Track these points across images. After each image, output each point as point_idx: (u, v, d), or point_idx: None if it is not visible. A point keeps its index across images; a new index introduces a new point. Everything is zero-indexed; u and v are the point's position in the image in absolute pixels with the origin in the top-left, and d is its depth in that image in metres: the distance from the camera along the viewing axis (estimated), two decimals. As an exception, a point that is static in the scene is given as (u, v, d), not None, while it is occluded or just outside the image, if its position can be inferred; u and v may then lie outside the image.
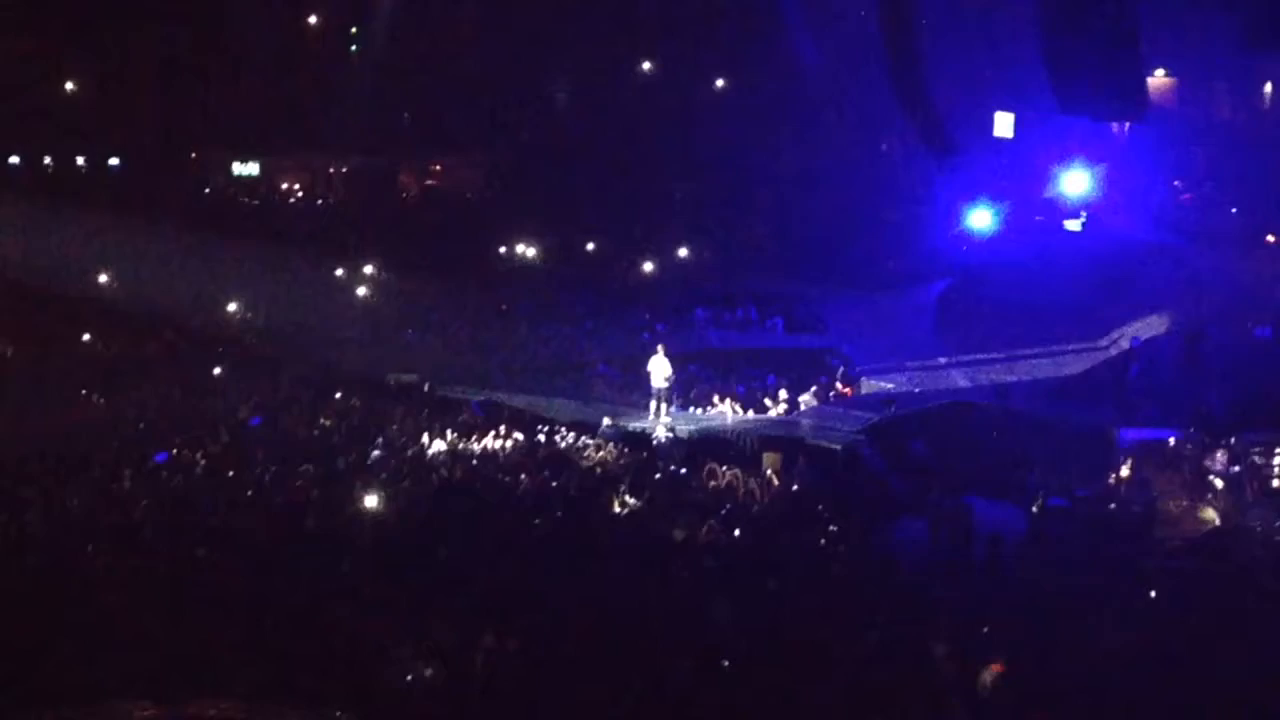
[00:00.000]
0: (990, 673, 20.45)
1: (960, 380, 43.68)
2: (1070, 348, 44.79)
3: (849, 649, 22.04)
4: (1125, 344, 44.44)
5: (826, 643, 22.25)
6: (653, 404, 40.05)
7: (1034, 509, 30.54)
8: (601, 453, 35.91)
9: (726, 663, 21.82)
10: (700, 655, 21.90)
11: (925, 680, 21.02)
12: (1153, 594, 24.99)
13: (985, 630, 22.41)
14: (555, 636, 22.77)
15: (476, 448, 36.69)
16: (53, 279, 50.30)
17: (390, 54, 66.61)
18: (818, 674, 21.42)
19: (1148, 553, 28.38)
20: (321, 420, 39.49)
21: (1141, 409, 36.80)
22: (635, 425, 38.88)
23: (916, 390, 42.45)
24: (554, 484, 32.66)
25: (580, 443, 36.92)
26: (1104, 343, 44.49)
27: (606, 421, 38.78)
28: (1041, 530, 29.71)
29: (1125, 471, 33.30)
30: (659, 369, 39.94)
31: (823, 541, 28.66)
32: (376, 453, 35.74)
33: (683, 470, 34.21)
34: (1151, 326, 45.07)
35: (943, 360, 45.33)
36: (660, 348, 40.60)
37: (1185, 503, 32.04)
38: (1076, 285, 45.71)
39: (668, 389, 39.95)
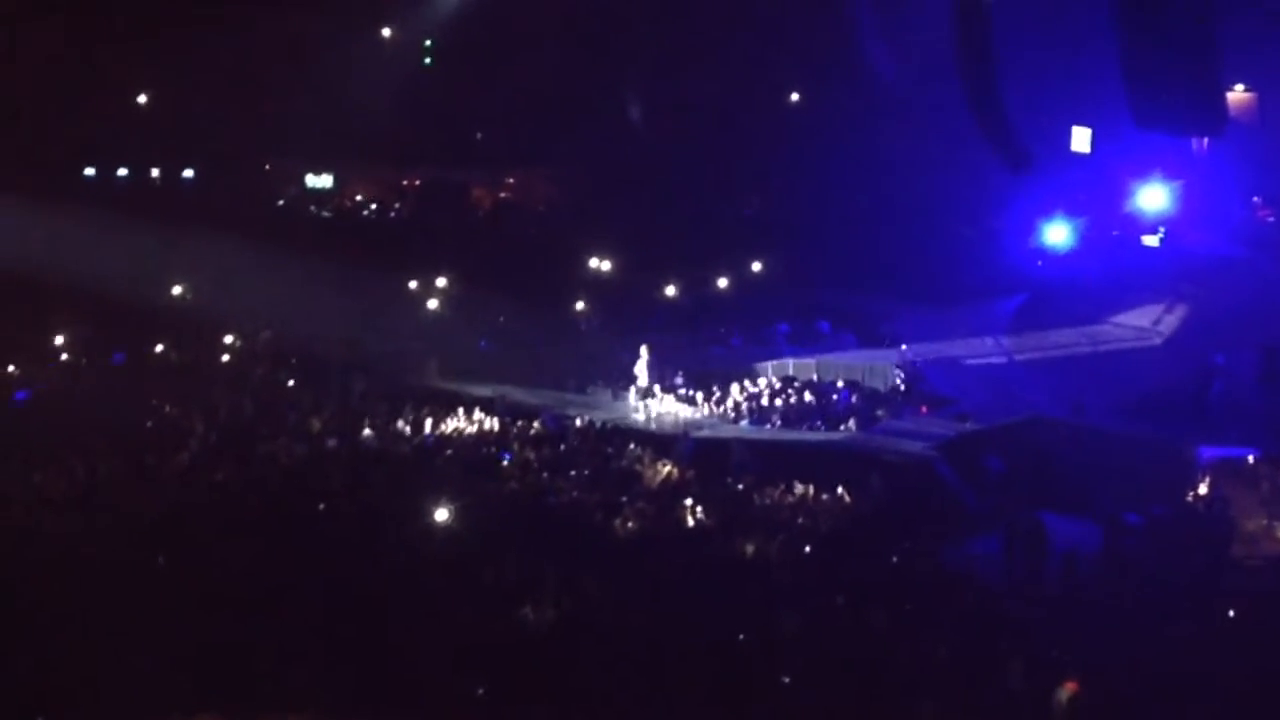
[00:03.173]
0: (1065, 691, 20.31)
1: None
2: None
3: (922, 665, 21.94)
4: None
5: (899, 659, 22.16)
6: (640, 402, 42.61)
7: (1109, 526, 30.28)
8: (668, 467, 35.79)
9: (787, 679, 21.80)
10: (770, 667, 21.87)
11: (999, 698, 20.89)
12: (1230, 613, 24.77)
13: (1060, 648, 22.25)
14: (626, 649, 22.76)
15: (547, 460, 36.62)
16: (127, 290, 50.52)
17: (464, 67, 66.82)
18: (890, 689, 21.33)
19: (1226, 571, 28.14)
20: (394, 431, 39.53)
21: (1221, 426, 36.46)
22: (709, 436, 38.98)
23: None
24: (623, 498, 32.61)
25: (650, 456, 36.80)
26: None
27: (680, 433, 39.03)
28: (1117, 547, 29.47)
29: (1203, 489, 32.98)
30: (644, 370, 42.84)
31: (895, 558, 28.53)
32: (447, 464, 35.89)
33: (755, 485, 34.07)
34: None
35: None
36: (644, 349, 43.17)
37: (1265, 521, 31.75)
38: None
39: (652, 387, 42.91)
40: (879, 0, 52.07)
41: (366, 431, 39.12)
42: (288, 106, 61.60)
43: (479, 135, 69.76)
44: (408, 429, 39.59)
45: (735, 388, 43.67)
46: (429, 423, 40.13)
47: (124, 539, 28.24)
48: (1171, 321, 44.99)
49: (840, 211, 57.27)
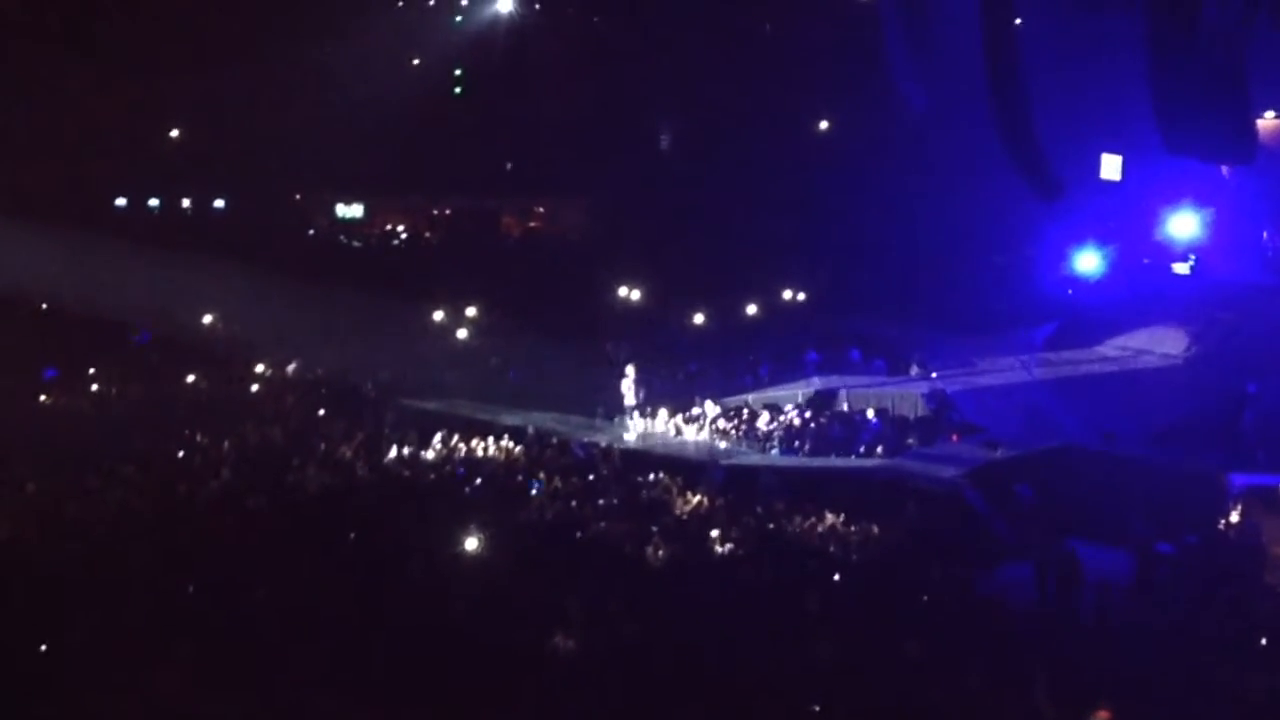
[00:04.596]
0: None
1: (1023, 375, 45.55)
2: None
3: (954, 694, 21.90)
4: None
5: (931, 687, 22.13)
6: (626, 419, 44.20)
7: (1141, 554, 30.18)
8: (699, 496, 35.76)
9: (817, 707, 21.77)
10: (801, 696, 21.85)
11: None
12: (1264, 641, 24.69)
13: (1091, 676, 22.20)
14: (656, 678, 22.75)
15: (577, 489, 36.60)
16: (158, 320, 50.77)
17: (493, 96, 67.04)
18: (921, 718, 21.31)
19: (1258, 599, 28.03)
20: (424, 460, 39.62)
21: (1254, 454, 36.28)
22: (739, 464, 38.98)
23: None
24: (653, 527, 32.57)
25: (680, 484, 36.76)
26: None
27: (710, 461, 39.07)
28: (1148, 576, 29.38)
29: (1235, 517, 32.83)
30: (629, 387, 44.67)
31: (926, 586, 28.47)
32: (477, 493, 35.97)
33: (786, 513, 34.02)
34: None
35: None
36: (630, 368, 44.81)
37: (1298, 549, 31.62)
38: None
39: (637, 405, 44.39)
40: (909, 27, 52.14)
41: (397, 460, 39.23)
42: (318, 136, 61.85)
43: (509, 164, 69.90)
44: (438, 458, 39.68)
45: (764, 415, 43.60)
46: (459, 451, 40.23)
47: (154, 567, 28.27)
48: (1198, 347, 44.78)
49: (870, 239, 57.16)
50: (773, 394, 45.91)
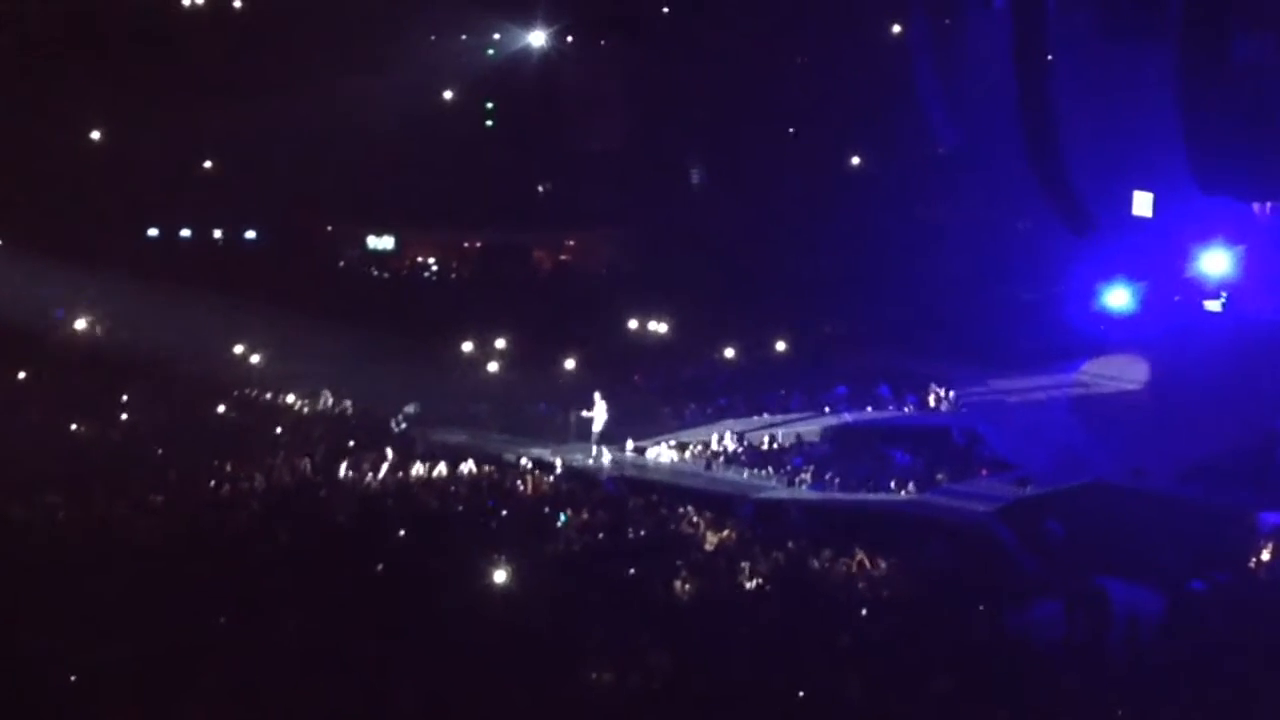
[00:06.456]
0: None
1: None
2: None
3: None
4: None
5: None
6: (594, 447, 44.56)
7: (1172, 592, 30.06)
8: (726, 531, 35.70)
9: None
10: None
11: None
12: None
13: (1122, 714, 22.15)
14: (685, 713, 22.74)
15: (605, 522, 36.58)
16: (188, 349, 50.88)
17: (525, 129, 67.23)
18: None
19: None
20: (452, 492, 39.61)
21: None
22: (768, 499, 38.94)
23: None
24: (681, 561, 32.53)
25: (710, 518, 36.70)
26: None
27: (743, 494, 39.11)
28: (1179, 614, 29.25)
29: (1266, 555, 32.69)
30: (599, 414, 44.86)
31: (956, 622, 28.40)
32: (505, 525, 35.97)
33: (814, 548, 33.94)
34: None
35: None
36: (597, 395, 45.02)
37: (1329, 588, 31.46)
38: (1213, 365, 45.22)
39: (604, 432, 44.77)
40: (941, 64, 52.16)
41: (425, 492, 39.24)
42: (350, 168, 62.05)
43: (540, 195, 70.08)
44: (467, 490, 39.68)
45: (792, 449, 43.61)
46: (487, 483, 40.25)
47: (182, 597, 28.28)
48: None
49: (902, 275, 57.13)
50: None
